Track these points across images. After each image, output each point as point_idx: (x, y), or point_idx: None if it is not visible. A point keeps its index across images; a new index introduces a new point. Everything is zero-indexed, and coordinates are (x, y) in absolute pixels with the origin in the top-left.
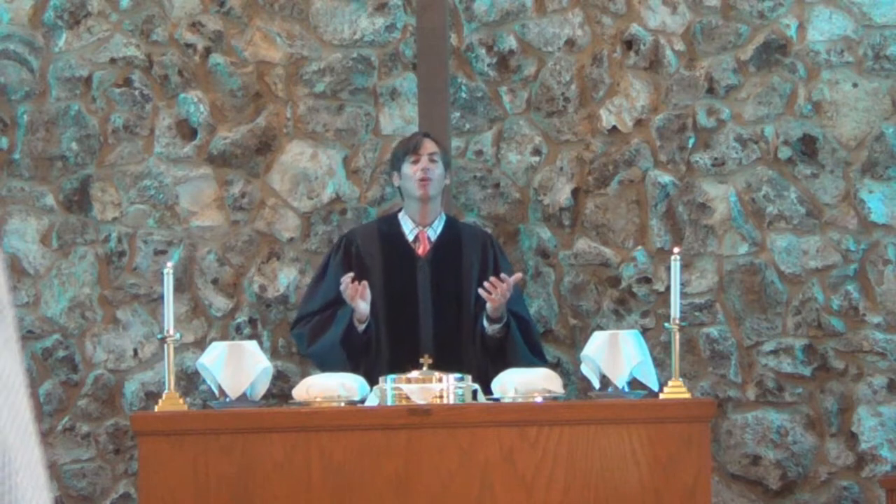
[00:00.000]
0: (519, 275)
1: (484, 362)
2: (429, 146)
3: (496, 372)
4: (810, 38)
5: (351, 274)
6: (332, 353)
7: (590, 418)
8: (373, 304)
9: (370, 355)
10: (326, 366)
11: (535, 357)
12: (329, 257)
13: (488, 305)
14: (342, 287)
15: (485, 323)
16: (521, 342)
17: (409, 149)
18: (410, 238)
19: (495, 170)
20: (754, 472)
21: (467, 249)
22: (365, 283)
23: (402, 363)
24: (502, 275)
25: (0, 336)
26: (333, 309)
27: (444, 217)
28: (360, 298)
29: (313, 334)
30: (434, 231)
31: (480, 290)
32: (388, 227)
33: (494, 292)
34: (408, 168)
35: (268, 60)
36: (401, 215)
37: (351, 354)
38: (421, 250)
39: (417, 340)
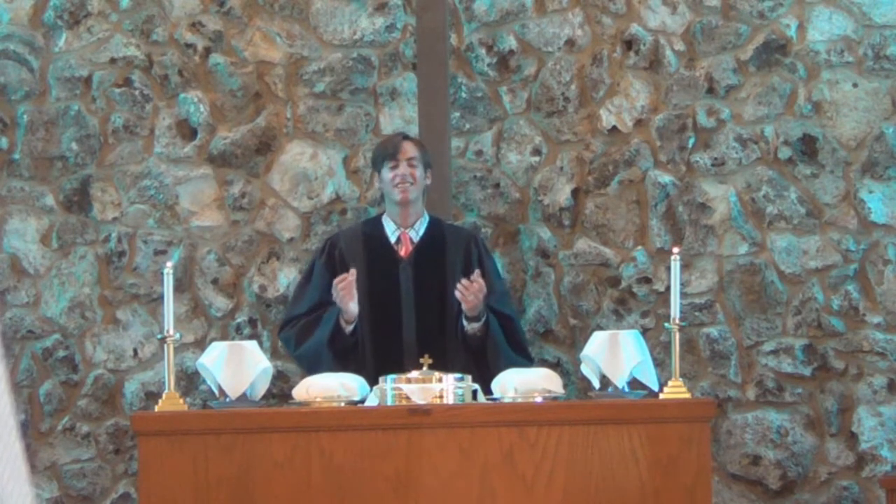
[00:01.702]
0: (476, 271)
1: (467, 361)
2: (408, 150)
3: (480, 371)
4: (810, 38)
5: (345, 275)
6: (320, 355)
7: (590, 418)
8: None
9: (357, 357)
10: (314, 368)
11: (518, 355)
12: (314, 260)
13: (464, 305)
14: (335, 288)
15: (464, 322)
16: (503, 340)
17: (387, 153)
18: (393, 240)
19: (495, 170)
20: (754, 472)
21: (450, 250)
22: (353, 272)
23: (386, 365)
24: (472, 275)
25: None
26: (320, 312)
27: (427, 218)
28: (349, 299)
29: (300, 337)
30: (416, 232)
31: (456, 292)
32: (372, 230)
33: (466, 293)
34: (387, 172)
35: (268, 60)
36: (384, 217)
37: (338, 356)
38: (403, 252)
39: (401, 342)
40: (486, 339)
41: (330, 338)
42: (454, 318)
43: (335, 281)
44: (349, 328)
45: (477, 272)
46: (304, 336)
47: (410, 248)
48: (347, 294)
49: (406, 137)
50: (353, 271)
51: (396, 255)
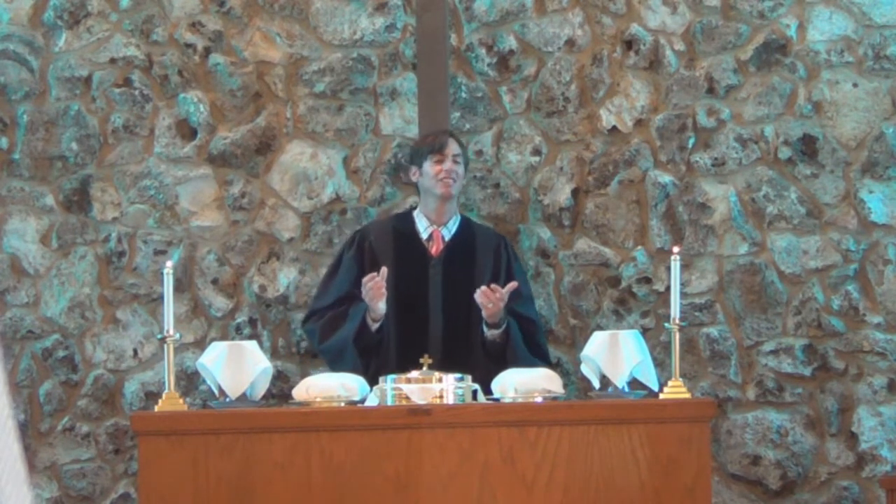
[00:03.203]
0: (514, 283)
1: (488, 366)
2: (453, 147)
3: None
4: (810, 38)
5: (374, 274)
6: (345, 351)
7: (590, 418)
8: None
9: (381, 354)
10: (337, 363)
11: (538, 361)
12: (342, 252)
13: (483, 311)
14: (365, 287)
15: (484, 328)
16: (522, 347)
17: (434, 147)
18: (424, 237)
19: (495, 170)
20: (754, 472)
21: (480, 251)
22: (384, 271)
23: (410, 362)
24: (493, 285)
25: None
26: (346, 306)
27: (458, 217)
28: (379, 298)
29: (325, 331)
30: (448, 231)
31: (476, 296)
32: (403, 225)
33: (486, 300)
34: (431, 167)
35: (268, 60)
36: (416, 213)
37: (363, 353)
38: (434, 250)
39: (426, 340)
40: (506, 346)
41: (356, 334)
42: (480, 320)
43: (364, 280)
44: (375, 326)
45: (494, 286)
46: (330, 331)
47: (441, 246)
48: (377, 293)
49: (451, 134)
50: (384, 270)
51: (427, 252)
